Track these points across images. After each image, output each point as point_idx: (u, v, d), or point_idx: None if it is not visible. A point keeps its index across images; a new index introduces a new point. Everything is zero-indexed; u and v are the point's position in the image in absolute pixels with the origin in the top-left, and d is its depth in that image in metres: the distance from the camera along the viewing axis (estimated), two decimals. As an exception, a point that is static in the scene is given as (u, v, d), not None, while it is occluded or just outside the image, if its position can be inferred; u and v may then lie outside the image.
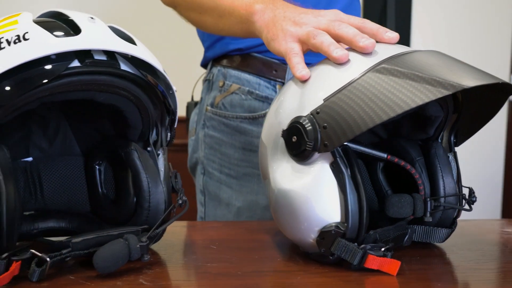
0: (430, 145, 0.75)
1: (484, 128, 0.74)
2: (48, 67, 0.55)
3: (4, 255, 0.55)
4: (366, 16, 2.90)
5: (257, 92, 1.09)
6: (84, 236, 0.61)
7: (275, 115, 0.72)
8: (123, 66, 0.61)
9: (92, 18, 0.61)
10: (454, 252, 0.74)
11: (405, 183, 0.74)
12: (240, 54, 1.10)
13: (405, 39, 2.82)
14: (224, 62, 1.12)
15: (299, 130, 0.64)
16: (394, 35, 0.70)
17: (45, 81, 0.55)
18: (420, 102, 0.58)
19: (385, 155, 0.69)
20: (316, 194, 0.64)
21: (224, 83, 1.11)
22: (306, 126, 0.63)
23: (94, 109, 0.72)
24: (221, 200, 1.12)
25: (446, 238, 0.74)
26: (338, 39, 0.69)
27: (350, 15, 0.74)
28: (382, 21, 2.96)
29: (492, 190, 2.62)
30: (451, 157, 0.76)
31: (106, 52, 0.60)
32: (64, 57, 0.56)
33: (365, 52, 0.66)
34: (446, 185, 0.73)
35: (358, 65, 0.64)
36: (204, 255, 0.72)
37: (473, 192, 0.75)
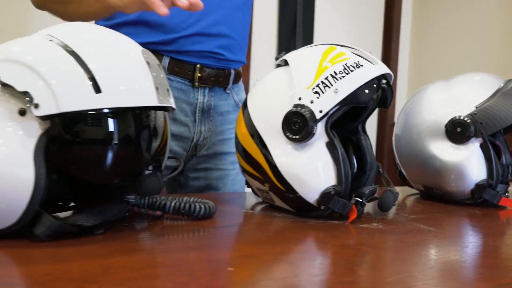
0: (494, 135, 1.24)
1: None
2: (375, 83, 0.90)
3: (352, 201, 0.88)
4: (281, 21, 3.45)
5: None
6: (364, 190, 0.95)
7: (413, 117, 1.14)
8: None
9: (371, 52, 0.95)
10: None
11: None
12: None
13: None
14: None
15: (463, 124, 1.06)
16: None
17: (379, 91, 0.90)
18: (536, 111, 1.05)
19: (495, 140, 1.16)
20: (471, 163, 1.08)
21: None
22: (468, 122, 1.06)
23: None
24: None
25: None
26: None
27: None
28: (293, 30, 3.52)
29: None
30: (503, 142, 1.25)
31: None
32: None
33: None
34: (507, 158, 1.22)
35: (489, 89, 1.09)
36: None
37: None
